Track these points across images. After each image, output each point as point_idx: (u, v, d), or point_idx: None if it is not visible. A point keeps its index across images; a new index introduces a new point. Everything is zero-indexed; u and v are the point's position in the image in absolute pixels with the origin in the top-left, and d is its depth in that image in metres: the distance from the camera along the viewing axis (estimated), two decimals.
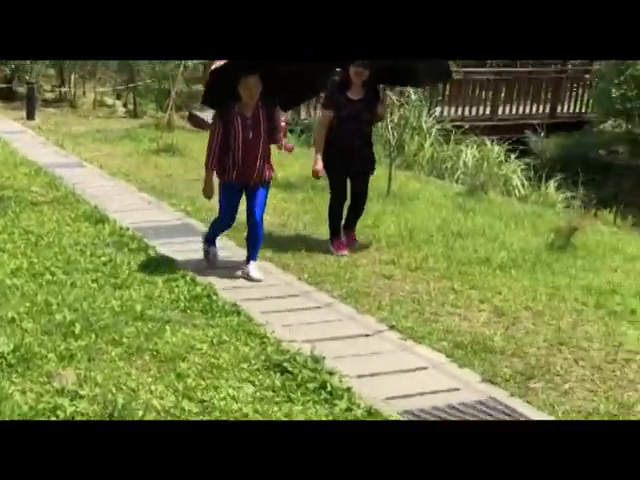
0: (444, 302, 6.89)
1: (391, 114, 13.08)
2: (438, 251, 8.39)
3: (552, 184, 14.65)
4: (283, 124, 7.52)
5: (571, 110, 21.06)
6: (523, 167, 15.39)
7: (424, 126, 16.20)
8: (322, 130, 8.31)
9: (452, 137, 16.58)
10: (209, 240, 7.73)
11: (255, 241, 7.46)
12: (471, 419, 4.87)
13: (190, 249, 8.04)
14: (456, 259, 8.11)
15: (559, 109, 20.89)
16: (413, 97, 14.88)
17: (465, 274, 7.66)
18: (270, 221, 9.24)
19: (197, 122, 19.15)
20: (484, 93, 19.91)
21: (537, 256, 8.36)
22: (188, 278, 7.03)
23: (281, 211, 9.93)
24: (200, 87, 19.42)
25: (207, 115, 19.15)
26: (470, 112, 19.72)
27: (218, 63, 6.72)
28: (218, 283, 7.02)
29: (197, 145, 14.96)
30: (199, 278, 7.08)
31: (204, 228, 8.88)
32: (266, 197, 7.44)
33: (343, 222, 8.51)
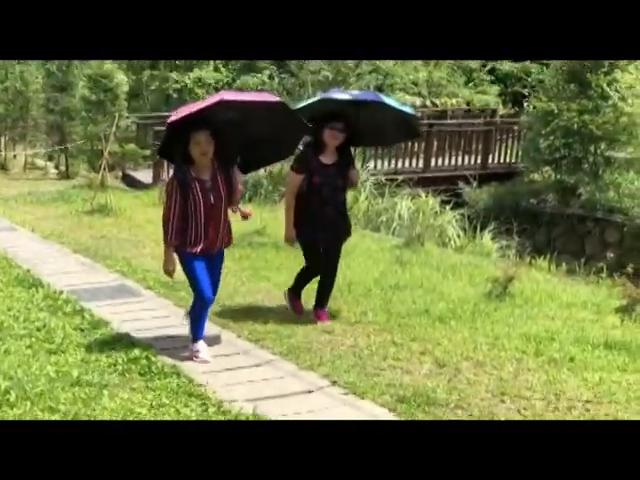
0: (385, 355, 6.86)
1: None
2: (377, 304, 8.38)
3: (487, 234, 14.82)
4: (240, 187, 6.82)
5: (501, 161, 21.40)
6: (458, 218, 15.57)
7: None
8: (292, 195, 7.67)
9: (387, 190, 16.72)
10: (197, 333, 6.71)
11: (205, 318, 6.85)
12: None
13: (127, 310, 7.90)
14: (395, 312, 8.11)
15: (490, 160, 21.22)
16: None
17: (405, 326, 7.65)
18: None
19: (131, 181, 19.04)
20: (416, 146, 20.15)
21: (476, 306, 8.40)
22: (125, 340, 6.90)
23: None
24: (133, 146, 19.37)
25: (141, 175, 19.11)
26: (403, 165, 19.92)
27: (176, 116, 6.32)
28: (156, 344, 6.90)
29: (130, 204, 14.88)
30: (137, 340, 6.96)
31: (142, 289, 8.78)
32: (222, 266, 6.94)
33: (315, 299, 7.92)
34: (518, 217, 17.23)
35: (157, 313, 7.81)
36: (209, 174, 6.52)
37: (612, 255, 16.46)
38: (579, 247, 17.47)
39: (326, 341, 7.20)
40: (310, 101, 7.94)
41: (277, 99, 7.00)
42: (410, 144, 19.99)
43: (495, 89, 24.25)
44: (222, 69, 28.24)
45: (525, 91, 24.17)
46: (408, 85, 21.03)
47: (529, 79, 24.26)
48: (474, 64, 24.43)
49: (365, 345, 7.11)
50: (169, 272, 6.65)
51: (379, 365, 6.63)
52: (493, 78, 25.73)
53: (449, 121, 22.36)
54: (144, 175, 18.96)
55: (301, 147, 8.11)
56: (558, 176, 18.57)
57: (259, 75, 27.43)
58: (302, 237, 7.75)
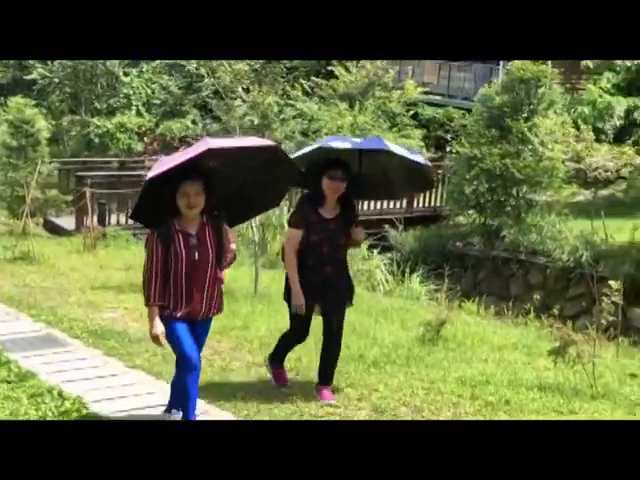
0: (321, 403, 6.78)
1: None
2: (311, 350, 8.28)
3: (415, 277, 14.90)
4: (233, 246, 5.90)
5: (427, 204, 21.64)
6: (386, 262, 15.63)
7: (286, 225, 16.26)
8: (294, 253, 6.72)
9: None
10: (188, 413, 5.88)
11: (195, 390, 5.95)
12: None
13: (54, 361, 7.68)
14: None
15: (415, 203, 21.44)
16: None
17: (340, 372, 7.57)
18: (138, 328, 8.98)
19: (52, 228, 18.69)
20: None
21: (410, 350, 8.39)
22: (55, 392, 6.68)
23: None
24: (55, 192, 19.03)
25: (63, 221, 18.77)
26: None
27: (154, 171, 5.47)
28: (88, 395, 6.70)
29: (54, 252, 14.58)
30: (66, 391, 6.74)
31: (69, 338, 8.56)
32: (207, 335, 6.08)
33: (317, 374, 7.04)
34: (444, 260, 17.38)
35: (86, 363, 7.60)
36: (196, 228, 5.72)
37: (538, 297, 16.67)
38: (504, 289, 17.72)
39: (263, 389, 7.08)
40: (306, 150, 6.98)
41: (271, 142, 6.18)
42: None
43: (418, 133, 24.57)
44: (145, 114, 28.09)
45: (448, 136, 24.57)
46: (333, 130, 21.15)
47: (452, 124, 24.68)
48: (397, 109, 24.74)
49: (301, 392, 7.01)
50: (156, 338, 5.70)
51: (316, 413, 6.55)
52: (416, 123, 26.09)
53: None
54: (66, 221, 18.65)
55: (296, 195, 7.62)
56: (482, 219, 18.86)
57: (182, 120, 27.37)
58: (289, 297, 6.84)
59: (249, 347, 8.43)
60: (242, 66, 13.20)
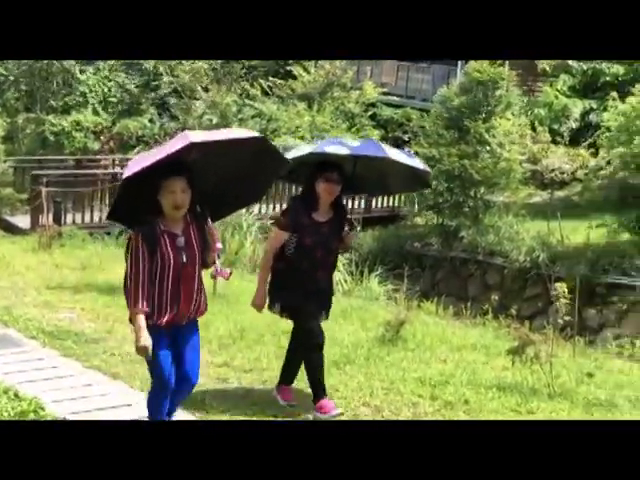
0: (280, 404, 6.75)
1: None
2: (270, 350, 8.28)
3: (374, 277, 14.93)
4: (219, 245, 5.51)
5: (385, 204, 21.68)
6: (344, 262, 15.63)
7: (244, 224, 16.24)
8: (272, 254, 6.47)
9: None
10: (157, 418, 5.58)
11: (164, 409, 5.63)
12: None
13: (10, 361, 7.56)
14: None
15: (374, 204, 21.48)
16: None
17: (301, 372, 7.53)
18: (95, 328, 8.89)
19: (7, 227, 18.44)
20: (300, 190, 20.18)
21: (369, 350, 8.39)
22: (11, 393, 6.56)
23: (105, 317, 9.56)
24: (10, 190, 18.81)
25: (18, 220, 18.52)
26: None
27: (132, 169, 5.09)
28: (45, 396, 6.60)
29: (9, 250, 14.40)
30: (23, 392, 6.63)
31: (25, 339, 8.44)
32: (199, 342, 5.65)
33: (309, 384, 6.69)
34: (402, 260, 17.43)
35: (43, 364, 7.50)
36: (181, 228, 5.32)
37: (495, 297, 16.79)
38: (462, 289, 17.84)
39: (221, 390, 7.04)
40: (299, 154, 6.60)
41: (256, 134, 5.83)
42: (294, 189, 20.02)
43: (377, 134, 24.64)
44: (101, 112, 27.84)
45: (406, 136, 24.67)
46: (292, 130, 21.16)
47: (410, 124, 24.78)
48: (356, 109, 24.80)
49: (260, 393, 6.98)
50: (144, 350, 5.19)
51: (275, 413, 6.52)
52: (374, 123, 26.16)
53: None
54: (21, 220, 18.39)
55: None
56: (441, 220, 18.96)
57: (140, 119, 27.17)
58: (288, 303, 6.51)
59: (208, 347, 8.35)
60: (201, 65, 13.14)
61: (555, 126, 21.71)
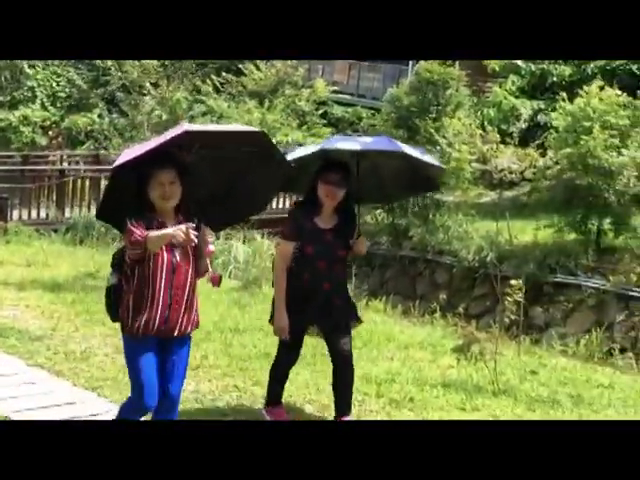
0: (229, 401, 6.74)
1: None
2: (217, 348, 8.25)
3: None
4: (211, 247, 4.97)
5: None
6: None
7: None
8: (283, 270, 5.90)
9: (221, 233, 16.61)
10: None
11: None
12: None
13: None
14: (236, 355, 8.00)
15: None
16: None
17: (247, 370, 7.56)
18: (39, 325, 8.78)
19: None
20: None
21: (315, 348, 8.34)
22: None
23: (50, 314, 9.45)
24: None
25: None
26: None
27: (122, 159, 4.75)
28: None
29: None
30: None
31: None
32: (187, 358, 5.11)
33: (334, 406, 6.27)
34: (351, 259, 17.44)
35: None
36: (174, 225, 4.78)
37: (443, 296, 16.92)
38: (411, 288, 17.92)
39: None
40: (308, 152, 6.14)
41: (254, 128, 5.44)
42: None
43: (327, 132, 24.67)
44: (50, 107, 27.52)
45: (357, 135, 24.72)
46: None
47: (361, 123, 24.84)
48: (307, 107, 24.81)
49: (207, 390, 6.95)
50: (184, 234, 4.62)
51: (222, 411, 6.50)
52: (325, 121, 26.19)
53: None
54: None
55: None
56: (390, 218, 19.02)
57: (89, 114, 26.90)
58: (290, 319, 5.96)
59: None
60: (150, 61, 13.04)
61: (504, 126, 21.89)
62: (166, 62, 15.68)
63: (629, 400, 7.65)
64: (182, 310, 4.81)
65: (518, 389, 7.53)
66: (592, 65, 21.29)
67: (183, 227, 4.62)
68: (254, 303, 10.76)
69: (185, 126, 4.75)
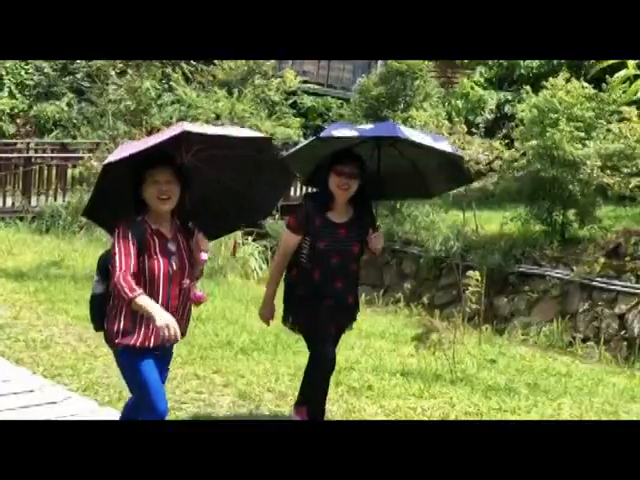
0: (187, 389, 6.79)
1: None
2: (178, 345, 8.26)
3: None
4: (204, 256, 4.63)
5: (293, 193, 21.67)
6: (261, 249, 15.66)
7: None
8: (285, 260, 5.62)
9: None
10: None
11: None
12: None
13: None
14: (198, 344, 8.02)
15: (292, 192, 21.46)
16: None
17: (207, 359, 7.60)
18: (1, 313, 8.78)
19: None
20: None
21: (277, 338, 8.44)
22: None
23: (12, 302, 9.43)
24: None
25: None
26: None
27: (116, 156, 4.42)
28: None
29: None
30: None
31: None
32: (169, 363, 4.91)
33: (297, 395, 6.05)
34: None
35: None
36: (170, 231, 4.55)
37: (409, 286, 17.03)
38: (378, 278, 17.98)
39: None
40: (304, 143, 5.89)
41: (259, 134, 5.09)
42: None
43: (297, 122, 24.66)
44: (18, 95, 27.31)
45: (326, 125, 24.73)
46: (211, 117, 21.02)
47: (330, 113, 24.86)
48: (276, 97, 24.76)
49: (168, 378, 6.97)
50: (170, 326, 4.19)
51: (181, 399, 6.55)
52: (295, 111, 26.17)
53: None
54: None
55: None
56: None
57: (57, 102, 26.72)
58: (302, 321, 5.68)
59: None
60: None
61: (471, 117, 22.00)
62: None
63: (585, 388, 7.78)
64: (177, 320, 4.36)
65: (476, 377, 7.64)
66: None
67: (171, 325, 4.17)
68: (218, 292, 10.80)
69: (185, 126, 4.42)
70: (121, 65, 13.71)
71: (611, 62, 18.85)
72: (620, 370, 9.73)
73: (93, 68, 12.90)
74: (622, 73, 18.73)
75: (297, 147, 5.90)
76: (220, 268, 12.29)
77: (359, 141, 5.61)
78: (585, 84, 16.51)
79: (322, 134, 5.71)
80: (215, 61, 25.32)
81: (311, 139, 5.77)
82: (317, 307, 5.50)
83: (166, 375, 4.87)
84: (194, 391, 6.74)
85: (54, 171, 18.30)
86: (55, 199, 17.76)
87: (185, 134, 4.36)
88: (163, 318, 4.16)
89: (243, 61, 25.18)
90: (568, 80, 16.58)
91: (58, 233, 15.68)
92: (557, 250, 16.02)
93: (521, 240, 16.71)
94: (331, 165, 5.47)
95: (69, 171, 18.31)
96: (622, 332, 14.15)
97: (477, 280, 7.77)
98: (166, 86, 25.19)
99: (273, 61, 25.89)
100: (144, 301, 4.23)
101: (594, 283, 14.88)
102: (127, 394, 6.47)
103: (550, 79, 17.11)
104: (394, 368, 7.73)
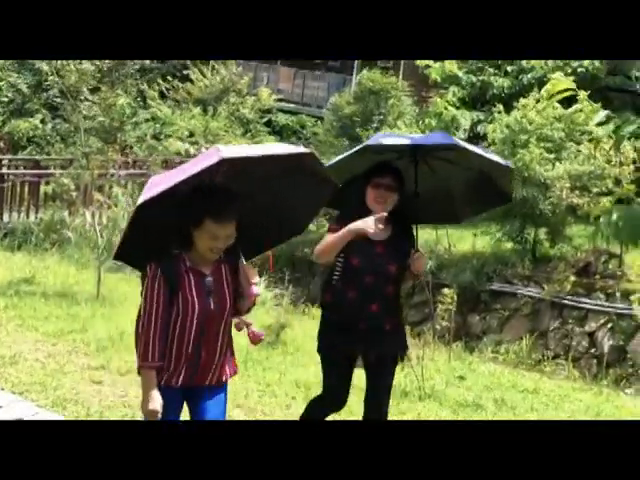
0: None
1: (100, 216, 12.95)
2: None
3: (262, 282, 15.00)
4: (256, 290, 4.20)
5: None
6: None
7: None
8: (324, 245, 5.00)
9: None
10: None
11: None
12: None
13: None
14: None
15: None
16: (121, 198, 14.77)
17: None
18: None
19: None
20: None
21: (248, 354, 8.45)
22: None
23: None
24: None
25: None
26: None
27: (149, 193, 3.87)
28: None
29: None
30: None
31: None
32: (225, 404, 4.36)
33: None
34: (293, 266, 17.57)
35: None
36: (210, 267, 4.14)
37: None
38: None
39: (95, 392, 7.02)
40: (349, 152, 5.20)
41: (302, 149, 4.42)
42: None
43: (271, 140, 24.77)
44: None
45: (300, 143, 24.84)
46: (185, 134, 21.09)
47: (304, 131, 24.98)
48: (251, 115, 24.86)
49: (135, 395, 6.97)
50: (153, 414, 3.93)
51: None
52: (270, 130, 26.29)
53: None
54: None
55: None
56: None
57: (31, 119, 26.69)
58: (322, 344, 5.22)
59: (86, 350, 8.32)
60: (88, 66, 13.01)
61: None
62: (104, 67, 15.62)
63: (551, 404, 7.87)
64: (213, 361, 4.14)
65: (444, 393, 7.70)
66: (529, 76, 21.65)
67: (153, 415, 3.94)
68: None
69: (221, 152, 3.83)
70: (93, 82, 13.72)
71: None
72: (587, 387, 9.83)
73: (65, 85, 12.87)
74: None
75: (341, 156, 5.34)
76: None
77: (397, 157, 5.18)
78: (556, 104, 16.69)
79: (370, 142, 5.26)
80: (192, 77, 25.40)
81: (358, 147, 5.19)
82: (346, 332, 5.01)
83: (215, 405, 4.27)
84: None
85: (27, 188, 18.23)
86: (27, 216, 17.69)
87: (223, 162, 3.85)
88: (149, 406, 3.95)
89: (218, 79, 25.28)
90: (538, 100, 16.77)
91: (30, 250, 15.61)
92: (528, 268, 16.18)
93: (493, 258, 16.87)
94: (368, 178, 5.04)
95: (42, 188, 18.26)
96: (592, 350, 14.30)
97: (452, 298, 7.84)
98: (141, 103, 25.23)
99: (248, 79, 26.02)
100: (146, 378, 4.01)
101: (565, 301, 15.04)
102: (94, 410, 6.53)
103: (521, 99, 17.31)
104: (362, 385, 7.74)
